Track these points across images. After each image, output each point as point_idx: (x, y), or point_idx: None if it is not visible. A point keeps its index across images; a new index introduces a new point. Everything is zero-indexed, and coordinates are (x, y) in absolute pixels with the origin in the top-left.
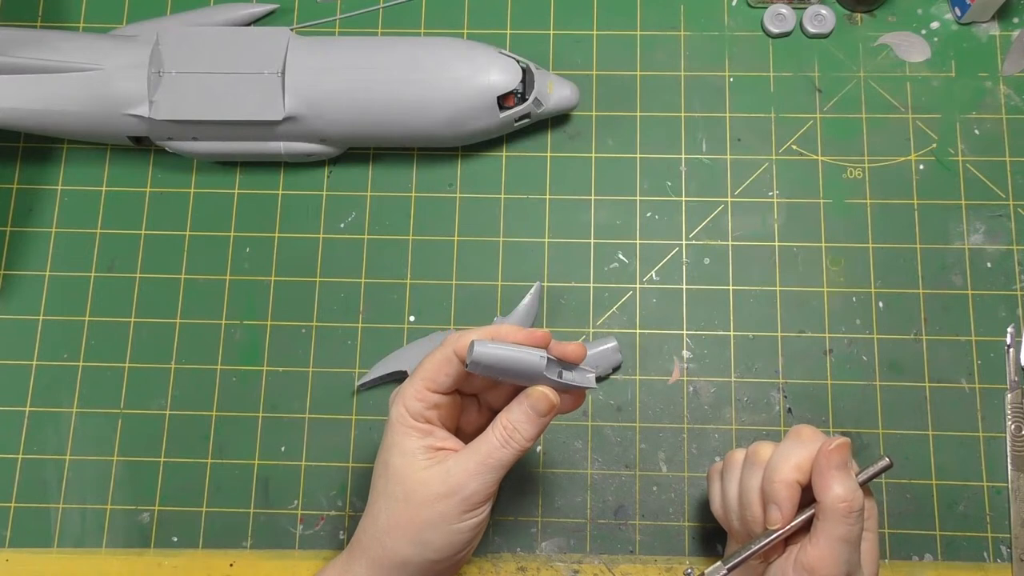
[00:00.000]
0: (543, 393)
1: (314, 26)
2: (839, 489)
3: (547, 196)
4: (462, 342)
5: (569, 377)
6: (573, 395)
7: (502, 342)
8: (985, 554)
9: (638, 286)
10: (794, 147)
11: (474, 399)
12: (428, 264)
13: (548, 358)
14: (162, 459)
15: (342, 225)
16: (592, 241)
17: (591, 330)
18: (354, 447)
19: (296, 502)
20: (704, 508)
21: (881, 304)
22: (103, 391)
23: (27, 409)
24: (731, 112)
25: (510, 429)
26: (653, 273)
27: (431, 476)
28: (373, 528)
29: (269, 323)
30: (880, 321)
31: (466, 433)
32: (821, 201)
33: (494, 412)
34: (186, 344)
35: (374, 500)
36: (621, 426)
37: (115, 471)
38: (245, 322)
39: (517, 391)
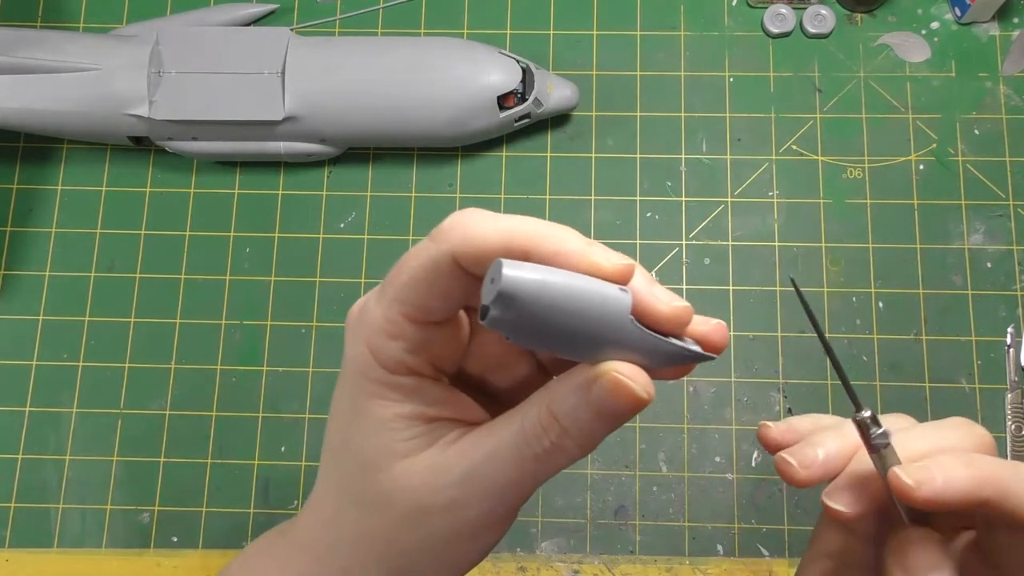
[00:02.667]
0: (620, 378)
1: (314, 26)
2: None
3: (547, 196)
4: (473, 240)
5: (670, 348)
6: (673, 372)
7: (551, 269)
8: None
9: None
10: (794, 147)
11: None
12: None
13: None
14: (162, 459)
15: (342, 225)
16: None
17: None
18: None
19: (296, 502)
20: (704, 508)
21: (881, 304)
22: (103, 391)
23: (27, 409)
24: (731, 112)
25: (556, 431)
26: (653, 273)
27: (420, 472)
28: (331, 535)
29: (269, 323)
30: (880, 321)
31: (476, 375)
32: (821, 201)
33: (533, 356)
34: (186, 344)
35: (325, 495)
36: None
37: (115, 471)
38: (245, 322)
39: None
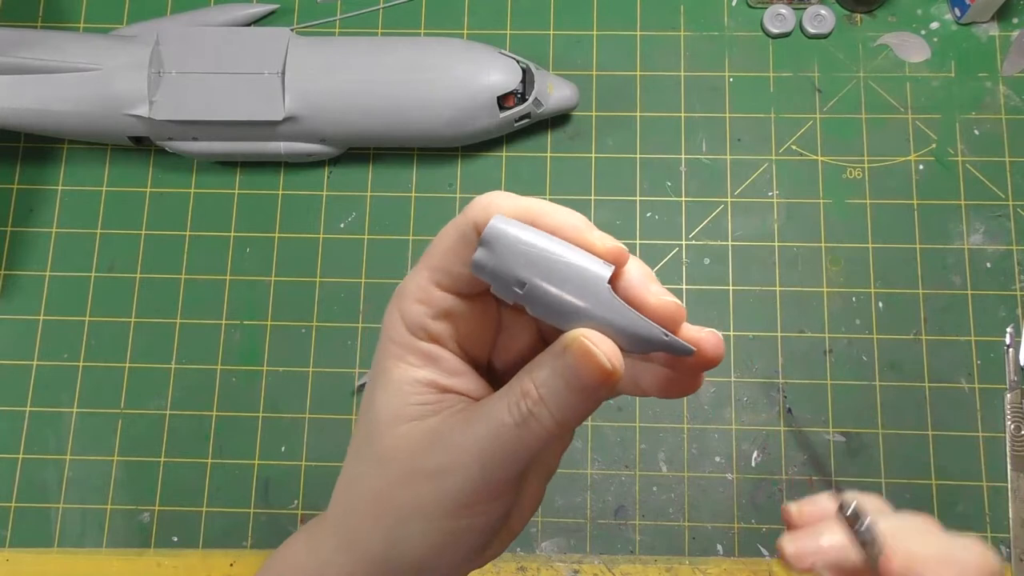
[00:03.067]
0: (586, 344)
1: (314, 26)
2: None
3: (547, 196)
4: (491, 209)
5: (645, 327)
6: (671, 370)
7: (541, 232)
8: None
9: None
10: (794, 147)
11: (525, 316)
12: None
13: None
14: (162, 459)
15: (342, 225)
16: None
17: None
18: None
19: (296, 502)
20: (704, 508)
21: (881, 304)
22: (103, 391)
23: (27, 409)
24: (731, 112)
25: (532, 399)
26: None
27: (418, 436)
28: (344, 498)
29: (269, 323)
30: (880, 321)
31: (506, 374)
32: (821, 201)
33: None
34: (186, 344)
35: (348, 456)
36: (621, 426)
37: (115, 471)
38: (245, 322)
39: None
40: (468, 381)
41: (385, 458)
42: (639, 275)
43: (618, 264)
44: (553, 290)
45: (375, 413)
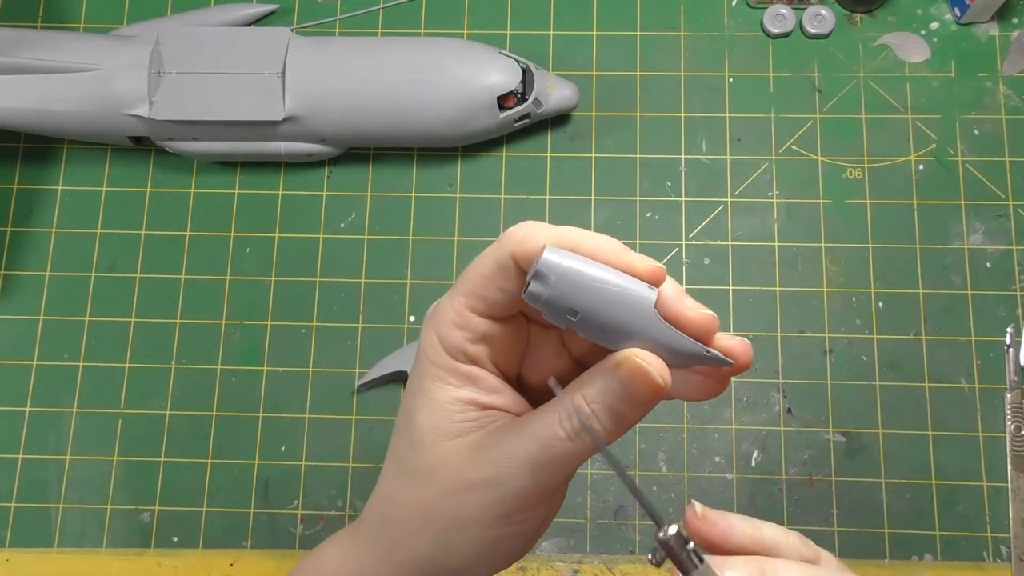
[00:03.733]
0: (640, 362)
1: (314, 26)
2: None
3: (547, 196)
4: (528, 241)
5: (689, 345)
6: (704, 376)
7: (588, 259)
8: (985, 554)
9: None
10: (794, 147)
11: (551, 333)
12: (428, 264)
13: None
14: (162, 459)
15: (342, 225)
16: None
17: None
18: (354, 447)
19: (296, 502)
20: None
21: (881, 304)
22: (103, 391)
23: (27, 409)
24: (731, 112)
25: (584, 414)
26: None
27: (463, 450)
28: (382, 510)
29: (269, 323)
30: (880, 321)
31: (534, 385)
32: (821, 201)
33: (579, 361)
34: (186, 344)
35: (386, 470)
36: None
37: (115, 471)
38: (245, 322)
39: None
40: (506, 397)
41: (431, 473)
42: (674, 292)
43: (658, 283)
44: (604, 316)
45: (418, 431)
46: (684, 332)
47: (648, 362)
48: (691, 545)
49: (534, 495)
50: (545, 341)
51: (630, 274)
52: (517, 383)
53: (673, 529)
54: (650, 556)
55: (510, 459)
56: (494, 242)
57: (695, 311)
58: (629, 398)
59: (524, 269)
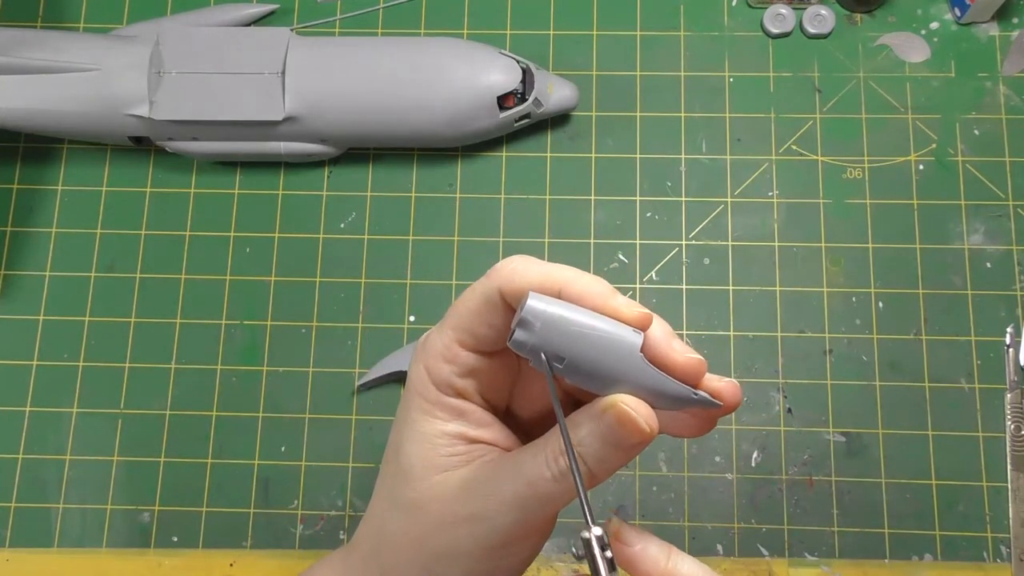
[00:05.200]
0: (626, 409)
1: (314, 26)
2: None
3: (547, 196)
4: (516, 277)
5: (676, 389)
6: (692, 416)
7: (573, 305)
8: (985, 554)
9: (638, 286)
10: (794, 147)
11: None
12: (428, 264)
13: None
14: (162, 459)
15: (342, 225)
16: (592, 241)
17: None
18: (354, 447)
19: (296, 502)
20: (704, 508)
21: (881, 304)
22: (103, 391)
23: (27, 409)
24: (731, 112)
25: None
26: (653, 273)
27: (451, 484)
28: (374, 537)
29: (269, 323)
30: (880, 321)
31: (523, 418)
32: (821, 201)
33: (571, 394)
34: (186, 344)
35: (377, 497)
36: None
37: (115, 471)
38: (245, 322)
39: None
40: (494, 431)
41: (419, 507)
42: (662, 334)
43: (644, 328)
44: (591, 363)
45: (406, 463)
46: (672, 376)
47: (634, 408)
48: (609, 553)
49: (521, 531)
50: (535, 373)
51: (616, 319)
52: (507, 415)
53: (598, 531)
54: (573, 550)
55: (498, 496)
56: (482, 277)
57: (683, 355)
58: (615, 444)
59: (512, 305)
